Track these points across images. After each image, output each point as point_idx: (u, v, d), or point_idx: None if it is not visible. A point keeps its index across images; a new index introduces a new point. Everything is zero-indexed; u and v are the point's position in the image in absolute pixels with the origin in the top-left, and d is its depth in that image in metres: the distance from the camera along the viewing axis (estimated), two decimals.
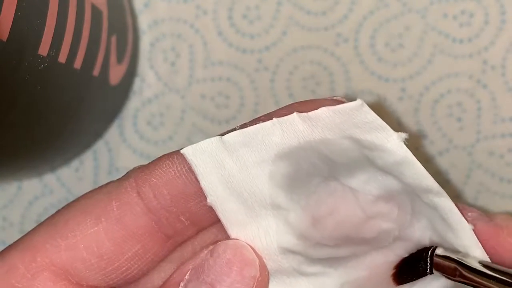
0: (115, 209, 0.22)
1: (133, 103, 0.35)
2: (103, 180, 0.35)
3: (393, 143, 0.22)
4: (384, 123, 0.22)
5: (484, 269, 0.22)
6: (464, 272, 0.22)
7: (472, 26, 0.34)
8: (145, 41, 0.35)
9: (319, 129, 0.22)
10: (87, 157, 0.35)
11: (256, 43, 0.35)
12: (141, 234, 0.22)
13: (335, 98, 0.23)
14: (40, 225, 0.23)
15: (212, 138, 0.22)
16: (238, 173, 0.22)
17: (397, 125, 0.35)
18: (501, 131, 0.34)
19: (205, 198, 0.22)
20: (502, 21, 0.34)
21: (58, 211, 0.23)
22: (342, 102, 0.22)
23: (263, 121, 0.22)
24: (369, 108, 0.22)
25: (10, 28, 0.21)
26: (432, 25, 0.34)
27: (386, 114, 0.35)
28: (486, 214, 0.24)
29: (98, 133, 0.35)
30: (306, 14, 0.35)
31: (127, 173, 0.23)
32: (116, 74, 0.32)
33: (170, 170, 0.22)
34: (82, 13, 0.26)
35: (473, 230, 0.23)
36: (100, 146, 0.35)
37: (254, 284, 0.22)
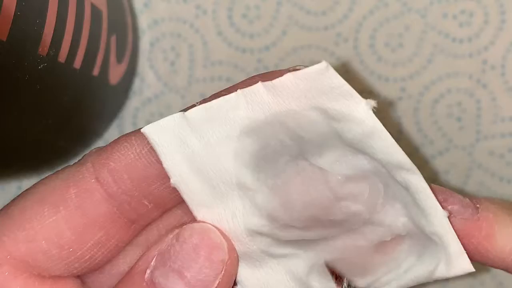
0: (73, 196, 0.21)
1: (133, 103, 0.35)
2: None
3: (361, 111, 0.20)
4: (352, 89, 0.21)
5: None
6: None
7: (472, 26, 0.34)
8: (145, 40, 0.35)
9: (284, 99, 0.20)
10: None
11: (256, 42, 0.35)
12: (102, 221, 0.21)
13: (297, 67, 0.21)
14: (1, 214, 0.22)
15: (174, 115, 0.21)
16: (203, 151, 0.21)
17: (397, 125, 0.35)
18: (501, 130, 0.34)
19: (168, 179, 0.21)
20: (502, 21, 0.34)
21: (12, 201, 0.22)
22: None
23: (224, 93, 0.21)
24: (335, 72, 0.20)
25: (10, 28, 0.21)
26: (432, 25, 0.34)
27: (384, 113, 0.35)
28: (472, 201, 0.22)
29: (97, 133, 0.35)
30: (306, 14, 0.35)
31: (83, 156, 0.22)
32: (116, 73, 0.32)
33: (129, 152, 0.21)
34: (81, 12, 0.26)
35: (448, 217, 0.21)
36: (99, 145, 0.35)
37: (223, 268, 0.21)
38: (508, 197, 0.34)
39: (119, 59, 0.32)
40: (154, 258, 0.21)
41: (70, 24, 0.25)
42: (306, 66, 0.21)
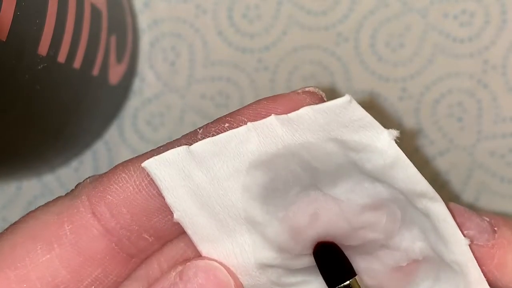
0: (68, 233, 0.20)
1: (132, 103, 0.35)
2: None
3: (383, 142, 0.20)
4: (374, 120, 0.20)
5: None
6: None
7: (472, 25, 0.34)
8: (144, 40, 0.35)
9: (300, 132, 0.20)
10: (87, 157, 0.35)
11: (256, 42, 0.35)
12: (100, 258, 0.20)
13: (307, 89, 0.20)
14: None
15: (178, 148, 0.20)
16: (209, 185, 0.20)
17: (397, 125, 0.35)
18: (502, 131, 0.34)
19: (171, 212, 0.20)
20: (503, 21, 0.34)
21: (1, 235, 0.21)
22: (317, 95, 0.20)
23: (229, 122, 0.20)
24: (357, 104, 0.19)
25: (10, 28, 0.21)
26: (432, 25, 0.34)
27: (385, 113, 0.35)
28: (490, 223, 0.21)
29: (97, 133, 0.35)
30: (306, 14, 0.35)
31: (76, 187, 0.21)
32: (115, 73, 0.32)
33: (128, 184, 0.20)
34: (81, 12, 0.26)
35: (469, 245, 0.21)
36: (99, 146, 0.35)
37: None
38: (508, 197, 0.34)
39: (119, 59, 0.32)
40: None
41: (70, 24, 0.25)
42: (316, 87, 0.21)
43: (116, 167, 0.21)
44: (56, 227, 0.20)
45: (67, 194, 0.21)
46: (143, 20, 0.35)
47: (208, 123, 0.21)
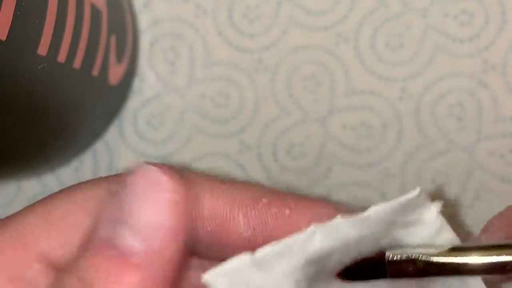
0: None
1: (132, 103, 0.35)
2: None
3: (431, 216, 0.21)
4: (427, 200, 0.21)
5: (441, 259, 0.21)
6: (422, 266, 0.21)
7: (472, 25, 0.34)
8: (144, 40, 0.35)
9: (365, 229, 0.20)
10: (87, 157, 0.36)
11: (256, 42, 0.35)
12: None
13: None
14: (28, 212, 0.22)
15: (242, 258, 0.20)
16: (265, 284, 0.20)
17: (397, 125, 0.35)
18: (502, 131, 0.34)
19: None
20: (503, 21, 0.34)
21: (48, 200, 0.22)
22: None
23: (291, 210, 0.20)
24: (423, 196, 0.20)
25: (9, 28, 0.21)
26: (432, 25, 0.34)
27: (385, 113, 0.35)
28: None
29: (97, 133, 0.35)
30: (306, 14, 0.35)
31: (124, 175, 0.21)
32: (115, 74, 0.32)
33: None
34: (81, 12, 0.26)
35: None
36: (99, 146, 0.36)
37: (174, 206, 0.19)
38: (509, 197, 0.34)
39: (119, 59, 0.32)
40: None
41: (70, 24, 0.25)
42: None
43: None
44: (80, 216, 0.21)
45: (111, 179, 0.22)
46: (143, 20, 0.35)
47: (270, 199, 0.21)
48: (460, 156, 0.34)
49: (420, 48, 0.34)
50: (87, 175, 0.36)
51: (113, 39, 0.31)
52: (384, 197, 0.35)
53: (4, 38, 0.20)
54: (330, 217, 0.20)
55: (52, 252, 0.21)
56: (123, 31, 0.33)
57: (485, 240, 0.22)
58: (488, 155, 0.34)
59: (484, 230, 0.25)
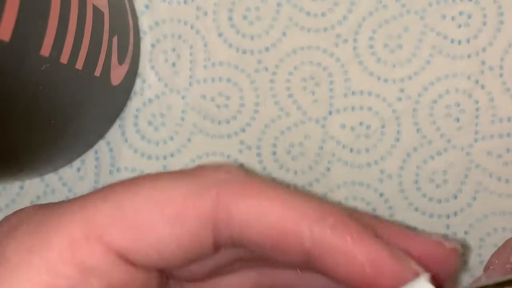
0: (191, 218, 0.21)
1: (134, 103, 0.35)
2: (105, 180, 0.35)
3: (422, 285, 0.21)
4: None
5: None
6: None
7: (470, 27, 0.34)
8: (146, 42, 0.35)
9: None
10: (89, 157, 0.36)
11: (256, 43, 0.35)
12: (202, 248, 0.22)
13: (451, 245, 0.23)
14: (99, 200, 0.22)
15: None
16: None
17: (396, 125, 0.35)
18: (499, 131, 0.34)
19: None
20: (500, 22, 0.34)
21: (119, 191, 0.22)
22: (456, 254, 0.22)
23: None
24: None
25: (13, 29, 0.21)
26: (430, 26, 0.34)
27: (383, 114, 0.35)
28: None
29: (99, 133, 0.35)
30: (306, 15, 0.35)
31: (207, 172, 0.22)
32: (117, 74, 0.32)
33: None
34: (83, 14, 0.26)
35: None
36: (101, 146, 0.36)
37: None
38: (505, 197, 0.34)
39: (120, 60, 0.32)
40: None
41: (72, 25, 0.25)
42: (458, 244, 0.22)
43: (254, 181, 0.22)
44: (180, 208, 0.22)
45: (190, 176, 0.22)
46: (145, 22, 0.35)
47: (335, 221, 0.22)
48: (457, 156, 0.34)
49: (418, 49, 0.34)
50: (89, 175, 0.36)
51: (115, 40, 0.31)
52: (382, 197, 0.35)
53: (7, 39, 0.21)
54: (381, 260, 0.21)
55: (124, 246, 0.21)
56: (125, 32, 0.33)
57: (485, 281, 0.22)
58: (485, 155, 0.34)
59: (485, 270, 0.26)
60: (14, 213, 0.23)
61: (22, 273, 0.21)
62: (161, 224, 0.21)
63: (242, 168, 0.23)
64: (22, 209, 0.23)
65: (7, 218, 0.23)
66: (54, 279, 0.21)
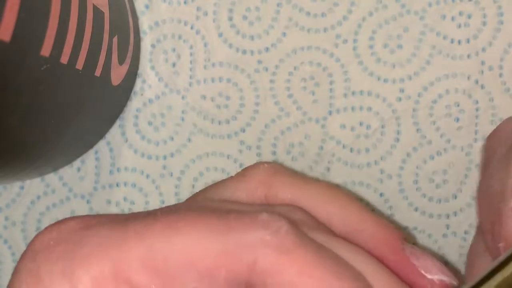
0: (223, 278, 0.21)
1: (134, 104, 0.35)
2: (105, 180, 0.35)
3: None
4: None
5: None
6: None
7: (470, 27, 0.34)
8: (146, 42, 0.35)
9: None
10: (89, 157, 0.36)
11: (256, 44, 0.35)
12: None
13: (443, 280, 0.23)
14: (136, 239, 0.21)
15: None
16: None
17: (395, 125, 0.35)
18: None
19: None
20: (499, 22, 0.34)
21: (152, 233, 0.21)
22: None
23: None
24: None
25: (13, 29, 0.21)
26: (430, 26, 0.34)
27: (382, 114, 0.35)
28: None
29: (100, 133, 0.35)
30: (306, 16, 0.35)
31: (249, 225, 0.21)
32: (117, 74, 0.32)
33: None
34: (84, 14, 0.26)
35: None
36: (101, 146, 0.36)
37: None
38: None
39: (120, 60, 0.32)
40: None
41: (73, 25, 0.25)
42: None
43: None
44: (214, 264, 0.21)
45: (229, 227, 0.21)
46: (145, 22, 0.35)
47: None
48: (457, 156, 0.35)
49: (418, 49, 0.34)
50: (90, 175, 0.36)
51: (115, 40, 0.31)
52: (382, 197, 0.35)
53: (8, 39, 0.21)
54: None
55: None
56: (125, 32, 0.33)
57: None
58: None
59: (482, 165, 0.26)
60: (58, 226, 0.22)
61: None
62: (189, 279, 0.21)
63: (294, 225, 0.21)
64: (65, 222, 0.22)
65: (49, 230, 0.22)
66: None
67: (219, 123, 0.35)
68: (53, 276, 0.21)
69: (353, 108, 0.35)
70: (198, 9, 0.35)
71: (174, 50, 0.35)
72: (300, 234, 0.21)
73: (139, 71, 0.35)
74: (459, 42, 0.34)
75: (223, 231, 0.21)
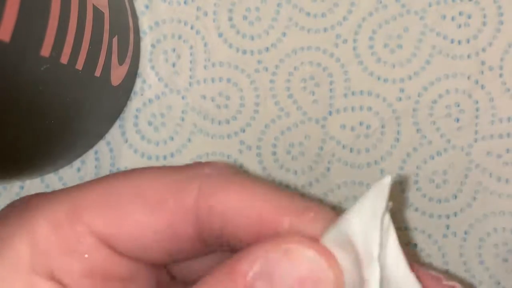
0: (171, 207, 0.22)
1: (134, 104, 0.35)
2: None
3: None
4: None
5: None
6: None
7: (470, 27, 0.34)
8: (146, 42, 0.35)
9: None
10: (89, 157, 0.36)
11: (256, 44, 0.35)
12: (181, 240, 0.22)
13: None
14: (87, 186, 0.22)
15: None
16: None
17: (396, 125, 0.35)
18: (499, 131, 0.34)
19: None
20: (499, 22, 0.34)
21: (107, 180, 0.22)
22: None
23: None
24: None
25: (13, 29, 0.21)
26: (430, 26, 0.34)
27: (382, 114, 0.35)
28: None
29: (99, 134, 0.35)
30: (306, 16, 0.35)
31: (193, 167, 0.23)
32: (117, 75, 0.32)
33: (241, 202, 0.21)
34: (84, 14, 0.26)
35: None
36: (101, 146, 0.36)
37: None
38: (505, 197, 0.34)
39: (120, 60, 0.32)
40: (258, 265, 0.20)
41: (72, 25, 0.25)
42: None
43: (236, 177, 0.22)
44: (161, 197, 0.22)
45: (176, 169, 0.22)
46: (145, 22, 0.35)
47: (316, 214, 0.22)
48: (457, 156, 0.35)
49: (418, 49, 0.34)
50: (90, 175, 0.36)
51: (115, 40, 0.31)
52: None
53: (7, 39, 0.21)
54: None
55: (105, 229, 0.22)
56: (125, 32, 0.33)
57: None
58: (485, 155, 0.34)
59: None
60: (10, 203, 0.23)
61: (6, 254, 0.21)
62: (140, 211, 0.22)
63: (233, 166, 0.23)
64: (18, 199, 0.24)
65: (3, 208, 0.23)
66: (36, 259, 0.21)
67: (219, 123, 0.35)
68: (7, 234, 0.21)
69: (353, 108, 0.35)
70: (198, 9, 0.35)
71: (174, 50, 0.35)
72: (238, 170, 0.23)
73: (139, 71, 0.35)
74: (459, 42, 0.34)
75: (169, 171, 0.23)
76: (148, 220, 0.22)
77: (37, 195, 0.23)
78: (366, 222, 0.21)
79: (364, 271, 0.20)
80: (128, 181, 0.22)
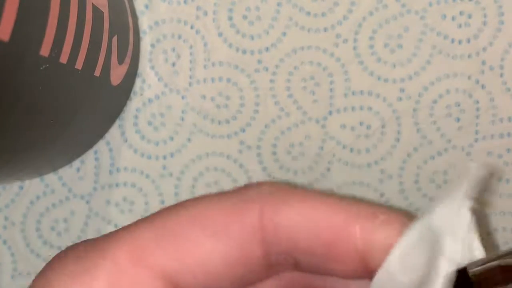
0: (237, 230, 0.21)
1: (134, 103, 0.35)
2: (104, 180, 0.35)
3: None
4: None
5: None
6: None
7: (470, 27, 0.34)
8: (146, 41, 0.35)
9: None
10: (88, 157, 0.36)
11: (256, 43, 0.35)
12: (251, 263, 0.21)
13: None
14: (144, 224, 0.21)
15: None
16: None
17: (396, 125, 0.35)
18: (499, 131, 0.34)
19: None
20: (500, 22, 0.34)
21: (164, 214, 0.21)
22: None
23: None
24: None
25: (12, 29, 0.21)
26: (431, 26, 0.34)
27: (383, 114, 0.35)
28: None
29: (99, 133, 0.35)
30: (306, 15, 0.35)
31: (250, 188, 0.22)
32: (117, 74, 0.32)
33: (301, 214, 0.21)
34: (83, 13, 0.26)
35: None
36: (101, 146, 0.36)
37: None
38: (506, 196, 0.34)
39: (120, 60, 0.32)
40: None
41: (72, 25, 0.25)
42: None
43: (294, 189, 0.21)
44: (224, 222, 0.21)
45: (231, 192, 0.22)
46: (144, 22, 0.35)
47: (389, 216, 0.21)
48: (458, 156, 0.35)
49: (419, 49, 0.34)
50: (89, 175, 0.36)
51: (114, 40, 0.31)
52: (382, 197, 0.35)
53: (6, 39, 0.21)
54: None
55: (169, 266, 0.21)
56: (124, 32, 0.33)
57: None
58: (485, 155, 0.34)
59: None
60: (64, 250, 0.22)
61: None
62: (205, 240, 0.21)
63: (284, 182, 0.22)
64: (71, 246, 0.22)
65: (57, 254, 0.22)
66: None
67: (219, 123, 0.35)
68: (64, 279, 0.20)
69: (353, 108, 0.35)
70: (198, 8, 0.35)
71: (174, 50, 0.35)
72: (291, 185, 0.22)
73: (139, 71, 0.35)
74: (460, 42, 0.34)
75: (226, 196, 0.22)
76: (215, 247, 0.21)
77: (93, 239, 0.22)
78: (450, 225, 0.20)
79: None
80: (185, 212, 0.21)
